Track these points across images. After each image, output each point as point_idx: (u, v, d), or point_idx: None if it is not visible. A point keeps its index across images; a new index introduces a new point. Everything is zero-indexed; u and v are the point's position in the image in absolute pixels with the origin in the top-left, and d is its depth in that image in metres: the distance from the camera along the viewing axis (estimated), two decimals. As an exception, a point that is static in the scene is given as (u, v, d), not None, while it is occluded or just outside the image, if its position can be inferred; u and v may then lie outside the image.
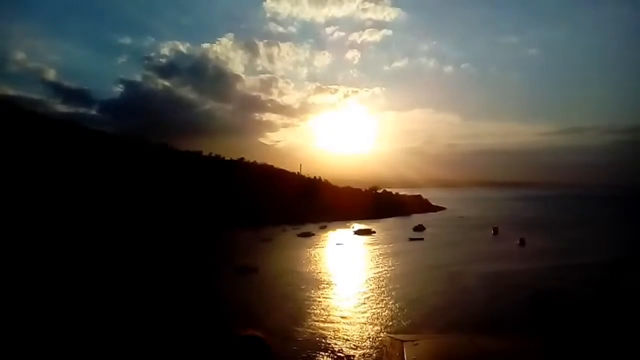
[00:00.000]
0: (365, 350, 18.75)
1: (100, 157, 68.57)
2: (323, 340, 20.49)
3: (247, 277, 35.10)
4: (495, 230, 68.94)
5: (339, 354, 18.51)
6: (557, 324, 21.48)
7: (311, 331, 21.96)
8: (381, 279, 35.80)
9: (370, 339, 20.50)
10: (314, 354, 18.46)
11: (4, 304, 23.86)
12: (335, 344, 19.92)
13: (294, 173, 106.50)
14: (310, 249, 52.31)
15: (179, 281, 32.95)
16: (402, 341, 1.66)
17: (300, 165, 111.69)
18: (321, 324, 23.33)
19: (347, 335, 21.46)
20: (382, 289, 32.17)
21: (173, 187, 71.89)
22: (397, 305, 27.33)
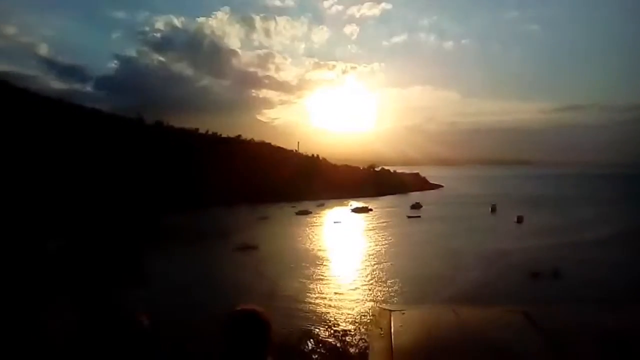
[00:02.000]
0: (358, 322, 18.98)
1: (97, 137, 67.51)
2: (321, 316, 20.86)
3: (248, 255, 35.12)
4: (493, 208, 68.62)
5: (334, 328, 18.50)
6: (542, 299, 21.27)
7: (310, 307, 22.30)
8: (378, 256, 35.58)
9: (365, 314, 20.52)
10: (311, 328, 18.55)
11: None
12: (332, 319, 20.52)
13: (291, 151, 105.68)
14: (309, 227, 52.08)
15: (180, 259, 32.65)
16: (390, 311, 1.50)
17: (298, 142, 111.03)
18: (320, 301, 23.57)
19: (343, 310, 21.48)
20: (379, 266, 31.96)
21: (169, 165, 71.15)
22: (392, 281, 27.27)
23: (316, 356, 14.30)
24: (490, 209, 68.08)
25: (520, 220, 54.99)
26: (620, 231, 45.13)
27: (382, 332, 1.29)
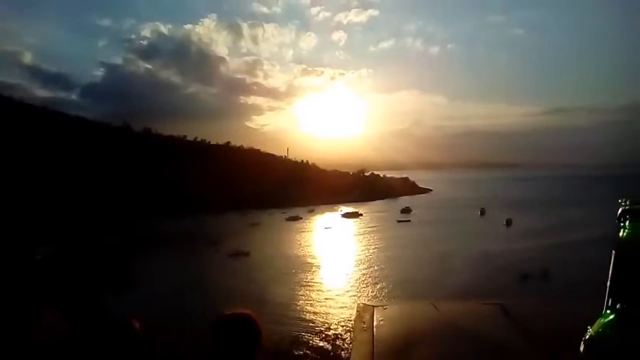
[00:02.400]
0: (348, 327, 19.10)
1: (82, 145, 66.85)
2: (312, 321, 20.92)
3: (239, 261, 35.11)
4: (482, 211, 69.20)
5: (325, 332, 18.57)
6: (526, 295, 21.54)
7: (301, 313, 22.39)
8: (368, 261, 35.69)
9: (353, 318, 20.54)
10: (302, 333, 18.62)
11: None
12: (323, 324, 20.42)
13: (281, 157, 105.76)
14: (299, 233, 52.05)
15: (172, 266, 32.39)
16: (374, 306, 1.57)
17: (288, 149, 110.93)
18: (311, 306, 23.64)
19: (333, 316, 21.46)
20: (369, 271, 32.05)
21: (158, 172, 70.69)
22: (382, 286, 27.41)
23: (308, 360, 14.32)
24: (479, 212, 68.66)
25: (509, 223, 55.51)
26: (608, 232, 45.68)
27: (365, 326, 1.35)
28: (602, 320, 0.37)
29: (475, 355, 0.88)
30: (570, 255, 34.84)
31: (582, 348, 0.38)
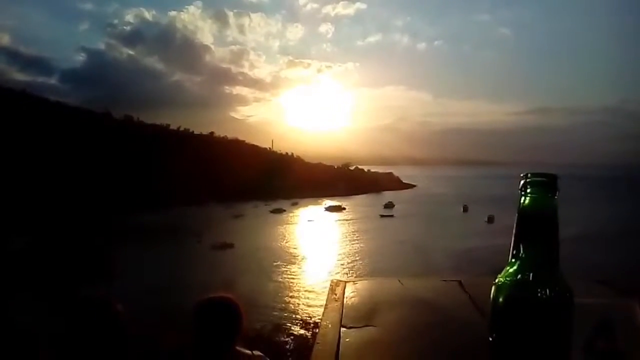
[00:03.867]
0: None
1: (62, 131, 65.47)
2: (294, 310, 21.48)
3: (224, 253, 35.11)
4: (465, 208, 70.13)
5: (306, 321, 18.76)
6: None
7: (284, 303, 22.92)
8: (350, 254, 35.98)
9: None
10: (284, 322, 18.83)
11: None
12: (304, 313, 20.43)
13: (265, 149, 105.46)
14: (283, 225, 52.11)
15: (155, 257, 32.14)
16: (345, 282, 1.66)
17: (272, 140, 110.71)
18: (293, 297, 24.25)
19: (314, 305, 21.61)
20: (351, 263, 32.35)
21: (140, 161, 69.72)
22: (361, 276, 27.69)
23: (288, 347, 14.51)
24: (462, 209, 69.62)
25: (491, 220, 56.41)
26: (586, 231, 46.99)
27: (336, 297, 1.48)
28: (507, 268, 0.45)
29: (431, 319, 0.98)
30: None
31: (491, 292, 0.46)
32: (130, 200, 59.35)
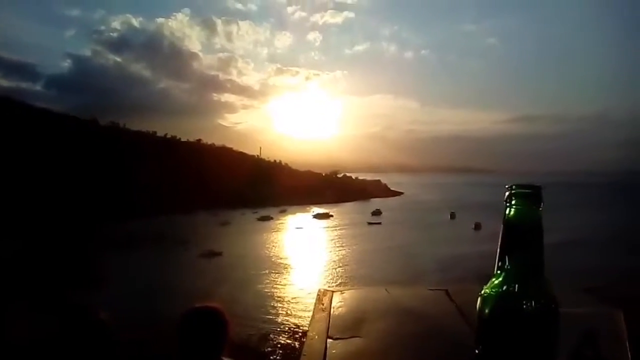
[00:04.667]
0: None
1: (47, 138, 64.49)
2: (281, 320, 21.14)
3: (213, 261, 34.77)
4: (452, 215, 70.50)
5: (294, 330, 18.66)
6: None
7: (272, 312, 22.67)
8: (338, 262, 35.92)
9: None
10: (271, 331, 18.67)
11: None
12: (291, 323, 20.29)
13: (253, 156, 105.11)
14: (270, 233, 51.83)
15: (143, 265, 31.68)
16: (332, 291, 1.63)
17: (260, 148, 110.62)
18: (280, 306, 23.91)
19: (301, 315, 21.48)
20: (338, 272, 32.28)
21: (126, 168, 68.95)
22: (350, 287, 27.62)
23: (275, 357, 14.40)
24: (449, 216, 70.03)
25: (478, 226, 56.81)
26: (568, 238, 47.62)
27: (323, 307, 1.46)
28: (493, 280, 0.45)
29: (417, 330, 0.98)
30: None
31: (478, 303, 0.46)
32: (117, 208, 58.56)
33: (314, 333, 1.27)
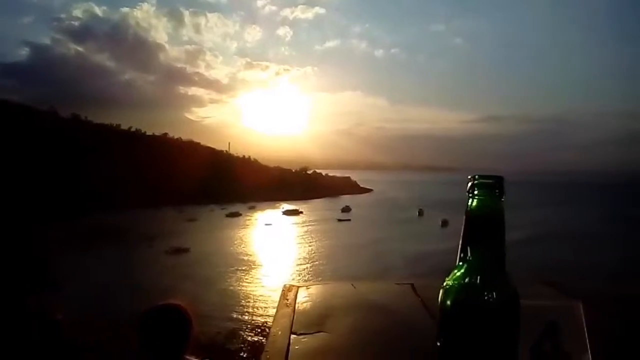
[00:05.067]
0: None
1: (3, 129, 61.39)
2: (249, 316, 21.10)
3: (179, 258, 34.20)
4: (421, 212, 71.83)
5: (262, 327, 18.57)
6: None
7: (239, 308, 22.53)
8: (307, 258, 35.98)
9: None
10: (238, 328, 18.56)
11: None
12: (259, 319, 20.17)
13: (222, 151, 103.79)
14: (239, 229, 51.36)
15: (105, 263, 30.71)
16: (298, 287, 1.63)
17: (229, 143, 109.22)
18: (249, 302, 23.73)
19: (269, 312, 21.41)
20: (308, 267, 32.35)
21: (88, 162, 66.57)
22: (321, 279, 27.78)
23: (242, 354, 14.28)
24: (417, 213, 71.36)
25: (444, 223, 58.10)
26: (529, 234, 49.43)
27: (288, 303, 1.43)
28: (455, 271, 0.46)
29: (382, 324, 0.98)
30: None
31: (439, 295, 0.46)
32: (77, 203, 56.50)
33: (278, 329, 1.24)
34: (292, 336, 1.14)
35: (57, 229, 43.14)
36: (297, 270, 31.87)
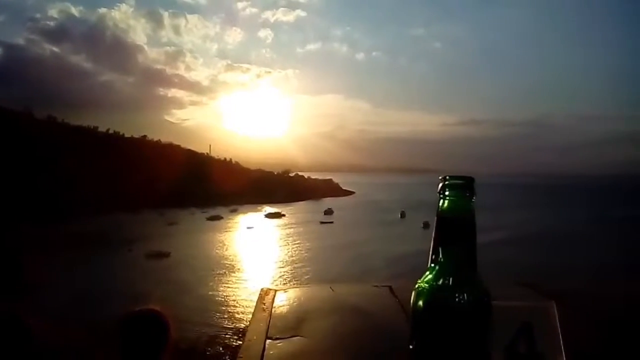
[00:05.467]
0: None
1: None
2: (231, 322, 20.93)
3: (159, 263, 33.74)
4: (403, 214, 72.27)
5: (240, 333, 18.38)
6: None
7: (221, 313, 22.40)
8: (290, 261, 35.89)
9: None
10: (219, 333, 18.34)
11: None
12: (242, 324, 19.96)
13: (202, 154, 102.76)
14: (221, 233, 50.88)
15: (83, 268, 30.02)
16: (276, 290, 1.60)
17: (210, 145, 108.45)
18: (231, 307, 23.61)
19: (248, 316, 21.28)
20: (291, 271, 32.26)
21: (65, 165, 65.05)
22: (305, 281, 27.69)
23: (224, 358, 14.16)
24: (399, 215, 71.80)
25: (426, 225, 58.44)
26: (509, 235, 50.30)
27: (264, 307, 1.41)
28: (427, 273, 0.46)
29: (358, 327, 0.98)
30: (480, 256, 37.80)
31: (412, 297, 0.47)
32: (52, 207, 55.13)
33: (253, 334, 1.22)
34: (268, 341, 1.13)
35: (32, 234, 41.97)
36: (279, 273, 31.75)
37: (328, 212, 74.44)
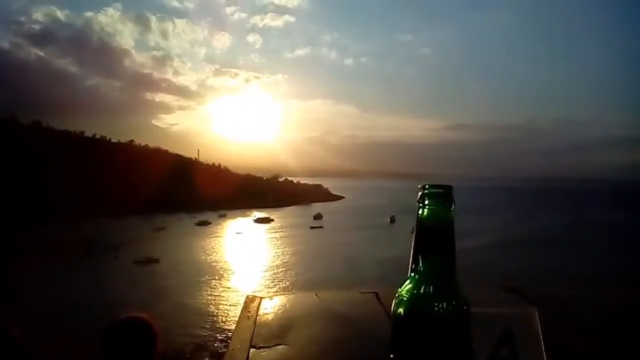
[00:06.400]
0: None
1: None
2: (219, 327, 20.76)
3: (148, 269, 33.51)
4: (392, 219, 72.34)
5: (228, 339, 18.19)
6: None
7: (209, 319, 22.27)
8: (280, 266, 35.74)
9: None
10: (207, 339, 18.11)
11: None
12: (229, 330, 19.73)
13: (191, 159, 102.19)
14: (210, 238, 50.49)
15: (71, 274, 29.52)
16: (261, 298, 1.59)
17: (198, 150, 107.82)
18: (219, 313, 23.47)
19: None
20: (280, 275, 32.13)
21: (50, 170, 64.13)
22: (293, 290, 27.52)
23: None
24: (389, 220, 71.91)
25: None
26: (496, 239, 50.81)
27: (249, 315, 1.39)
28: (407, 282, 0.47)
29: (343, 334, 0.97)
30: (463, 259, 38.07)
31: (392, 306, 0.47)
32: (39, 213, 54.24)
33: (237, 342, 1.20)
34: (252, 350, 1.11)
35: (17, 240, 41.19)
36: (268, 279, 31.58)
37: (317, 216, 74.30)
